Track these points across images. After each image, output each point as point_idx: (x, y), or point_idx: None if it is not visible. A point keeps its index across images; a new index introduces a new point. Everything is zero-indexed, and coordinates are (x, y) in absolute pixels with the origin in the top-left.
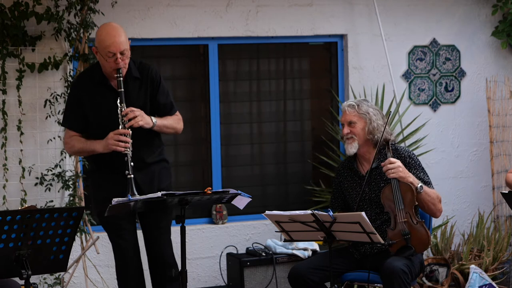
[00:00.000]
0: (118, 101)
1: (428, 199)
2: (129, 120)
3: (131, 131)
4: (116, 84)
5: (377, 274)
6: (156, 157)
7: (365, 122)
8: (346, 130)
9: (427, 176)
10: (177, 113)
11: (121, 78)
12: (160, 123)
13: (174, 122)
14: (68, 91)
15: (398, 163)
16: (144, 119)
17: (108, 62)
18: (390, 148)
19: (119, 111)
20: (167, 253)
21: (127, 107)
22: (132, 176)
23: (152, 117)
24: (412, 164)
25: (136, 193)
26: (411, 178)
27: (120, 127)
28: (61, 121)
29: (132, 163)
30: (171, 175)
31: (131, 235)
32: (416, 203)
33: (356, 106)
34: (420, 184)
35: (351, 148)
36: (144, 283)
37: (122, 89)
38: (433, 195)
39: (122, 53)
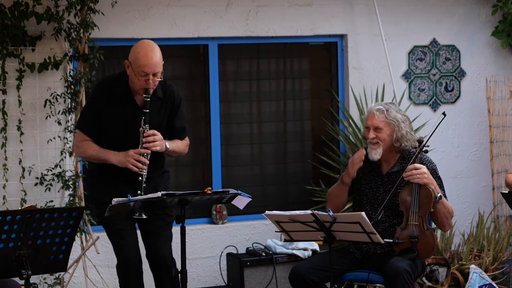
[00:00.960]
0: (142, 121)
1: (444, 211)
2: (148, 142)
3: (150, 151)
4: (139, 100)
5: (378, 274)
6: (159, 169)
7: (392, 129)
8: (371, 135)
9: (444, 191)
10: (187, 138)
11: (149, 99)
12: (171, 149)
13: (183, 148)
14: (90, 94)
15: (424, 169)
16: (161, 145)
17: (138, 80)
18: (422, 152)
19: (141, 130)
20: (166, 255)
21: (145, 124)
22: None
23: (167, 143)
24: (434, 176)
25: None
26: (433, 185)
27: (139, 146)
28: (76, 123)
29: (144, 184)
30: (169, 182)
31: (132, 235)
32: (432, 209)
33: (386, 111)
34: (440, 194)
35: (375, 155)
36: (142, 282)
37: (148, 110)
38: (449, 208)
39: (154, 75)
